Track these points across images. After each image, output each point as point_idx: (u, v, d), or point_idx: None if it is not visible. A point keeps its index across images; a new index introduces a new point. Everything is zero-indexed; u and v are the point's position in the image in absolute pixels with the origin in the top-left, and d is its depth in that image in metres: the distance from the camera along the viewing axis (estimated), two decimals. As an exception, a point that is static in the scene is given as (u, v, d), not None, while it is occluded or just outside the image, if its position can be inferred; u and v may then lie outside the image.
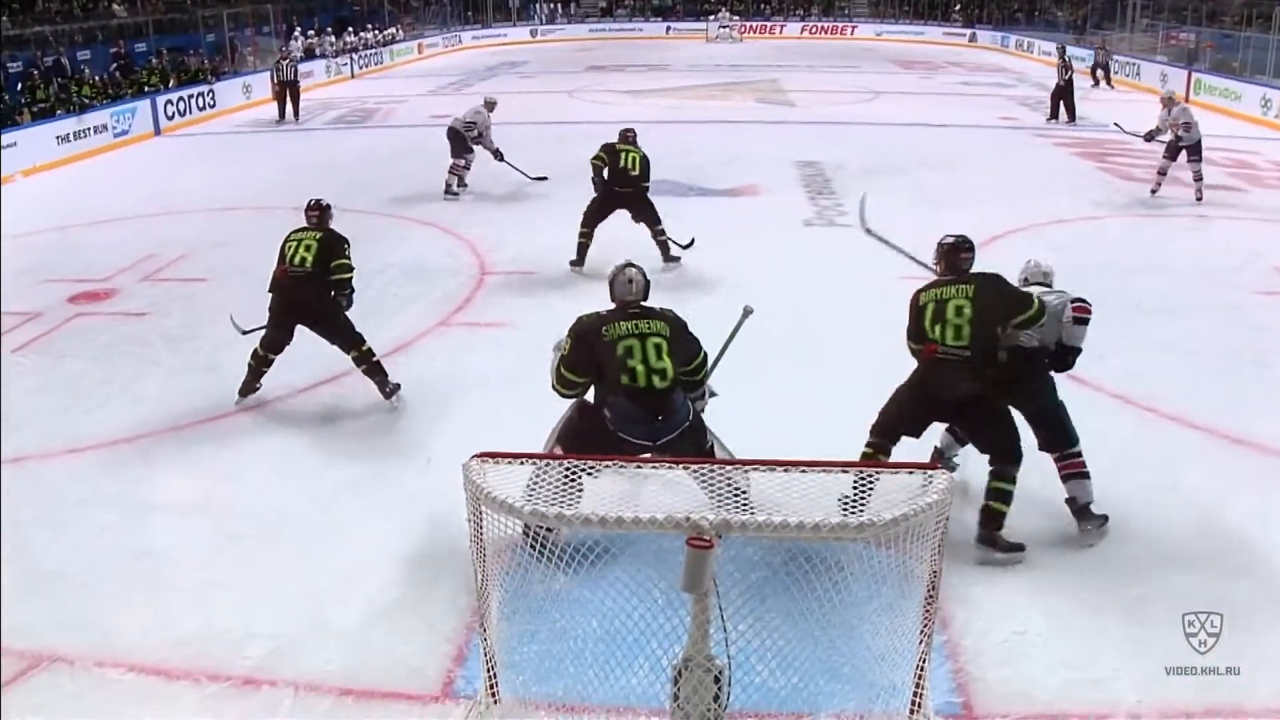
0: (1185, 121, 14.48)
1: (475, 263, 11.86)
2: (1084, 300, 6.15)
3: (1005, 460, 5.91)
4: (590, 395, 5.91)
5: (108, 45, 26.08)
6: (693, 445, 5.85)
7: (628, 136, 11.90)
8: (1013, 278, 6.44)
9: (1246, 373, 8.68)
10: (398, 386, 8.08)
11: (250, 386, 8.14)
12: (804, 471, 3.73)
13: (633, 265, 6.06)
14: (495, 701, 4.53)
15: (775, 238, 12.97)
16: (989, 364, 5.87)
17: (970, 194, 15.33)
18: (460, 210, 13.75)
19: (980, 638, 5.33)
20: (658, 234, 11.54)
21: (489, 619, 4.43)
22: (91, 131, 20.00)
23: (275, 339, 8.00)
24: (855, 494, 3.79)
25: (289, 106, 23.63)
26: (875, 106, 24.35)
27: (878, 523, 3.49)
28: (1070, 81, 22.83)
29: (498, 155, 15.34)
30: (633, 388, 5.64)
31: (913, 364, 6.14)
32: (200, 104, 24.28)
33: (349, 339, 8.03)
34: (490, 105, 15.56)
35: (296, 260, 7.92)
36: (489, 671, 4.53)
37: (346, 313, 8.13)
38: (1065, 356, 6.22)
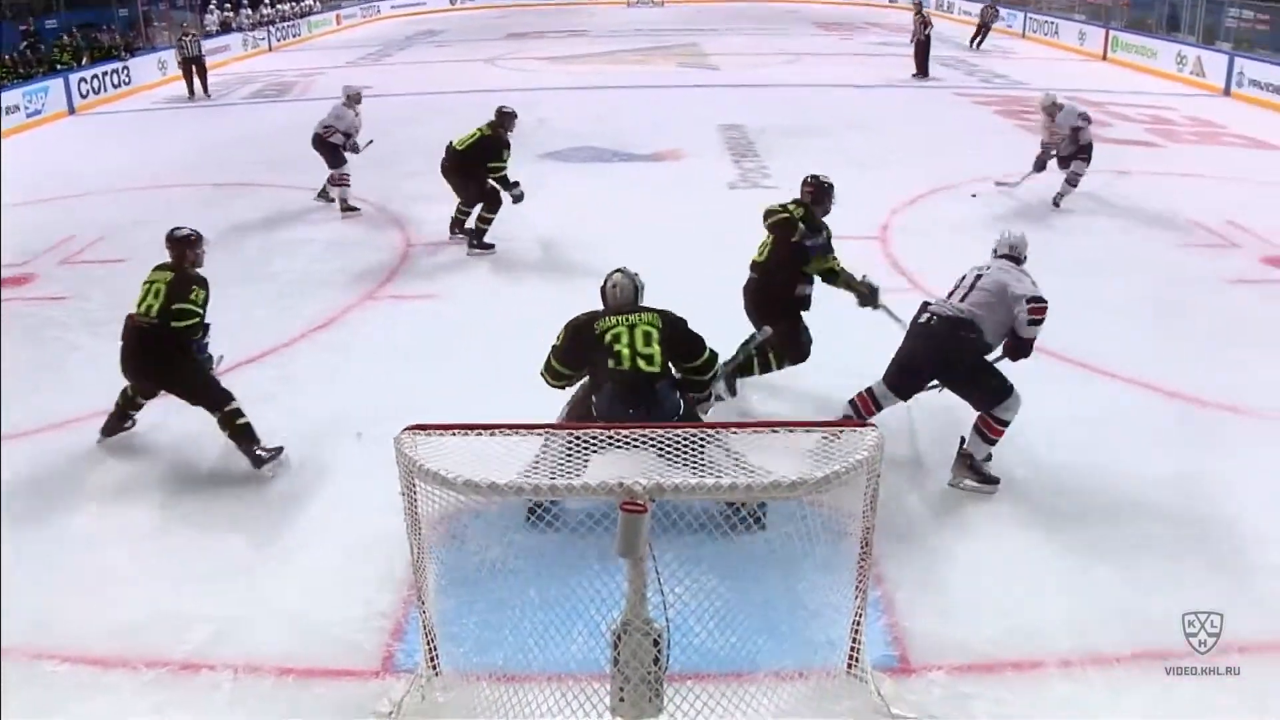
0: (1075, 126, 12.28)
1: (400, 235, 11.75)
2: (1041, 300, 6.11)
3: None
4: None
5: (17, 23, 25.37)
6: None
7: (503, 110, 11.20)
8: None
9: (1171, 325, 8.84)
10: (276, 453, 6.75)
11: (113, 427, 7.15)
12: (734, 432, 3.75)
13: (619, 271, 6.15)
14: (436, 674, 4.54)
15: (700, 201, 12.96)
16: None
17: (893, 154, 15.50)
18: (384, 182, 13.58)
19: (914, 592, 5.40)
20: (461, 214, 11.22)
21: (426, 592, 4.43)
22: (3, 112, 19.49)
23: (140, 389, 7.04)
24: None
25: (197, 82, 23.18)
26: (797, 69, 24.40)
27: (809, 481, 3.52)
28: (929, 37, 23.37)
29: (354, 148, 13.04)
30: (617, 370, 5.64)
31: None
32: (114, 81, 23.72)
33: (210, 399, 6.75)
34: (354, 99, 13.04)
35: (143, 308, 6.76)
36: (428, 644, 4.53)
37: (206, 365, 7.03)
38: (1018, 349, 6.22)
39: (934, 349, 6.22)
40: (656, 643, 3.64)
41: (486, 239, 11.03)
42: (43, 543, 6.01)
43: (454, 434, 3.97)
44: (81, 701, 4.74)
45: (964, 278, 6.43)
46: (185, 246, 6.97)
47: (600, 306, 6.03)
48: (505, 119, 11.11)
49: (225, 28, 30.74)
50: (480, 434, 3.95)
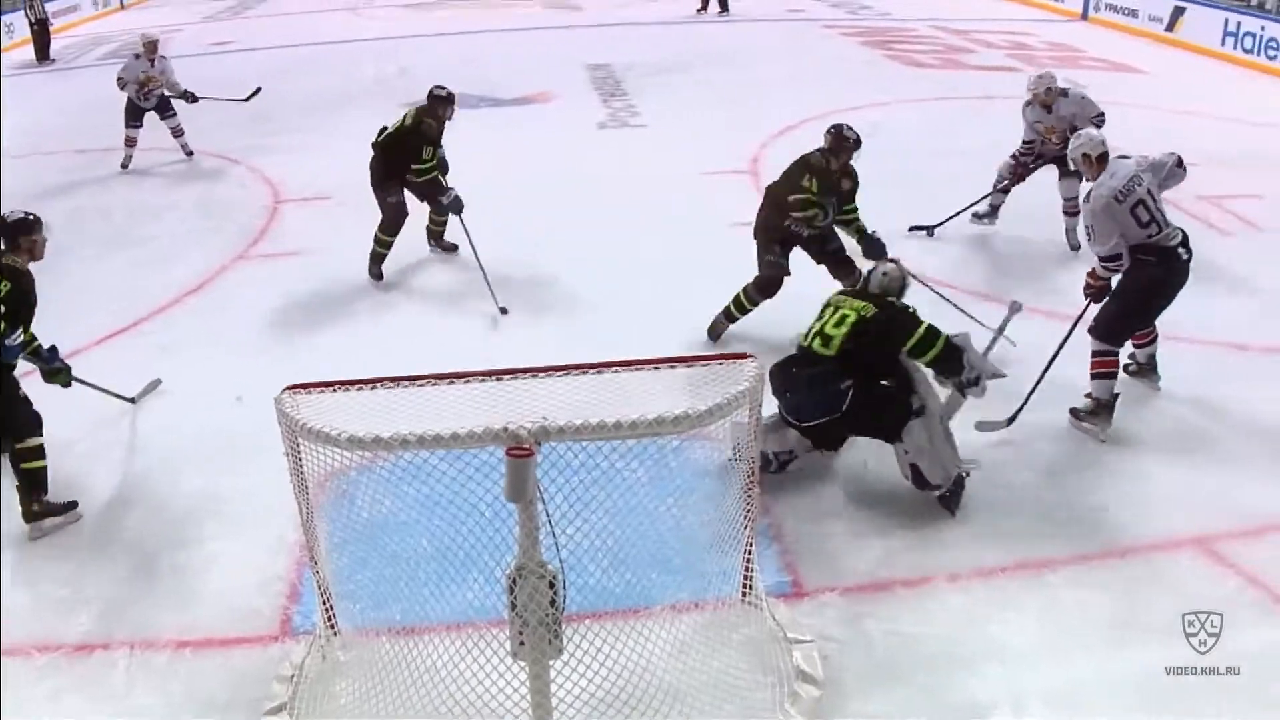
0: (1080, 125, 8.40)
1: (269, 192, 11.49)
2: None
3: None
4: None
5: None
6: (847, 435, 5.83)
7: (432, 93, 8.77)
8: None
9: (1047, 247, 9.10)
10: (62, 510, 5.79)
11: None
12: (616, 372, 3.77)
13: (893, 262, 6.11)
14: (335, 633, 4.52)
15: (571, 143, 12.91)
16: None
17: (761, 87, 15.56)
18: (251, 139, 13.21)
19: (801, 518, 5.55)
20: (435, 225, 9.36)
21: (319, 552, 4.40)
22: None
23: None
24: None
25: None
26: (661, 6, 24.24)
27: (693, 415, 3.56)
28: None
29: (189, 97, 12.65)
30: (799, 344, 5.69)
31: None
32: (-44, 48, 22.69)
33: (13, 424, 5.71)
34: (148, 48, 12.40)
35: None
36: (325, 604, 4.51)
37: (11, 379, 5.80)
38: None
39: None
40: (552, 585, 3.67)
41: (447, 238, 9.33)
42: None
43: (335, 390, 3.93)
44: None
45: (1147, 205, 6.07)
46: (18, 235, 5.69)
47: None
48: (433, 105, 8.68)
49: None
50: (362, 389, 3.91)
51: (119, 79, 12.40)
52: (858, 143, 7.46)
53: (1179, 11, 19.23)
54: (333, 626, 4.52)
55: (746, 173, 11.21)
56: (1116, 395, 6.20)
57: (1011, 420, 5.99)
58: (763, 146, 12.11)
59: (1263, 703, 4.35)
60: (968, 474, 5.63)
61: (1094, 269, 6.18)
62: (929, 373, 5.67)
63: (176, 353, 7.75)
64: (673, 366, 3.99)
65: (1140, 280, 6.11)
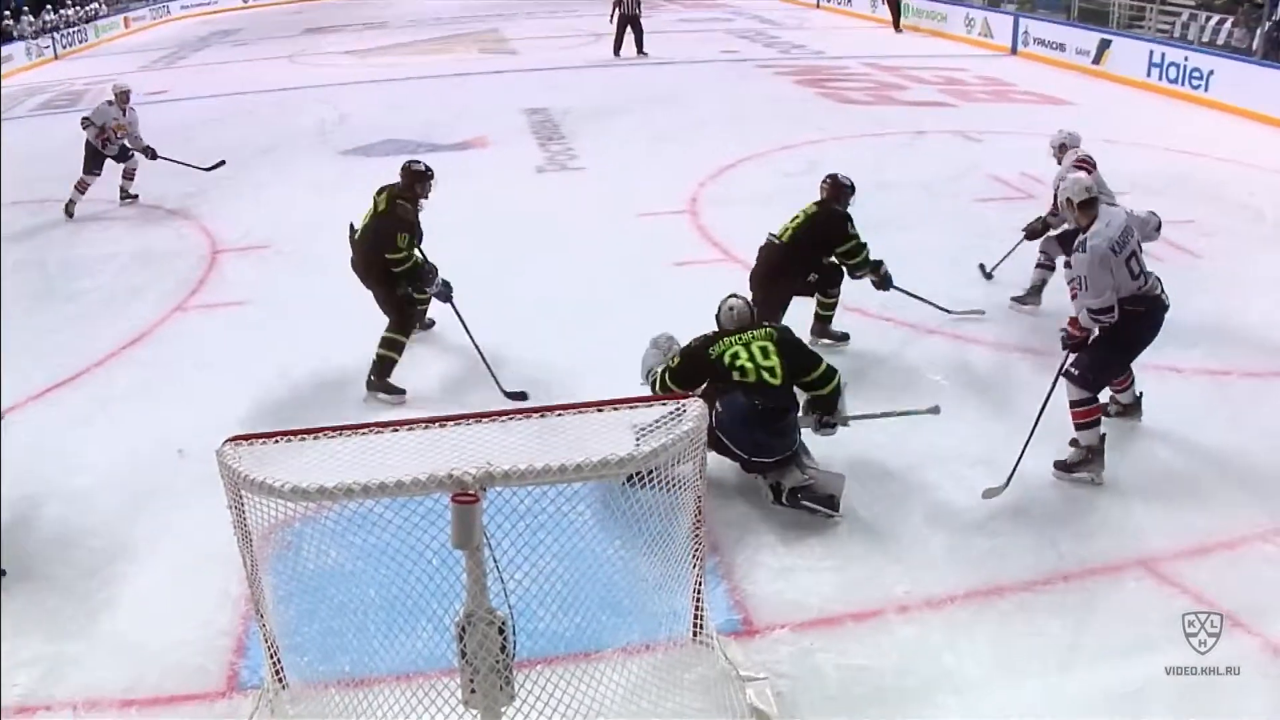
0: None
1: (206, 242, 11.41)
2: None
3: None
4: None
5: None
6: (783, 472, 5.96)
7: (409, 168, 7.73)
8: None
9: (974, 276, 9.17)
10: None
11: None
12: (560, 415, 3.77)
13: (735, 296, 6.23)
14: (283, 687, 4.46)
15: (510, 187, 12.95)
16: None
17: (698, 127, 15.73)
18: (187, 188, 13.13)
19: (751, 555, 5.56)
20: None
21: (264, 605, 4.35)
22: None
23: None
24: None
25: None
26: (597, 49, 24.42)
27: (638, 456, 3.56)
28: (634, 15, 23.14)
29: (149, 153, 12.79)
30: (745, 383, 5.75)
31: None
32: (-114, 100, 22.40)
33: None
34: (121, 98, 12.60)
35: None
36: (272, 658, 4.45)
37: None
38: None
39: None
40: (502, 631, 3.65)
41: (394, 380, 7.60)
42: None
43: (278, 441, 3.90)
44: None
45: (1138, 257, 5.99)
46: None
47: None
48: (412, 180, 7.58)
49: (6, 36, 29.23)
50: (304, 439, 3.89)
51: (86, 120, 12.52)
52: (852, 188, 7.84)
53: (1105, 44, 19.72)
54: (281, 680, 4.45)
55: (685, 212, 11.29)
56: (1104, 435, 6.12)
57: (1008, 482, 5.95)
58: (700, 186, 12.23)
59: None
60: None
61: (1076, 320, 6.01)
62: None
63: (117, 406, 7.65)
64: (616, 408, 4.00)
65: (1126, 331, 6.00)
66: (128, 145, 12.65)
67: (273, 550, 4.21)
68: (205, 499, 4.89)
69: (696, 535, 4.47)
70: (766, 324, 6.12)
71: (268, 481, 3.59)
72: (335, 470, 3.65)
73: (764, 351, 5.83)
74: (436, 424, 3.94)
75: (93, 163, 12.54)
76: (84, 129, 12.48)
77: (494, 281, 9.23)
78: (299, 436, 3.92)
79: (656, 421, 4.12)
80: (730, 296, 6.22)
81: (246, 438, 3.92)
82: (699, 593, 4.64)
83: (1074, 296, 6.01)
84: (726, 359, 5.82)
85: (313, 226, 10.93)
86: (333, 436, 3.90)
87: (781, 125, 15.52)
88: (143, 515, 6.20)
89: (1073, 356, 6.06)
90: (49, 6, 33.21)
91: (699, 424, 3.91)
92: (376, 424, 3.95)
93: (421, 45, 27.71)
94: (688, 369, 5.91)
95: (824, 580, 5.36)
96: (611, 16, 23.54)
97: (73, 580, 5.67)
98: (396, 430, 3.94)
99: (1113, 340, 6.02)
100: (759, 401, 5.72)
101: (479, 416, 3.94)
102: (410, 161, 7.75)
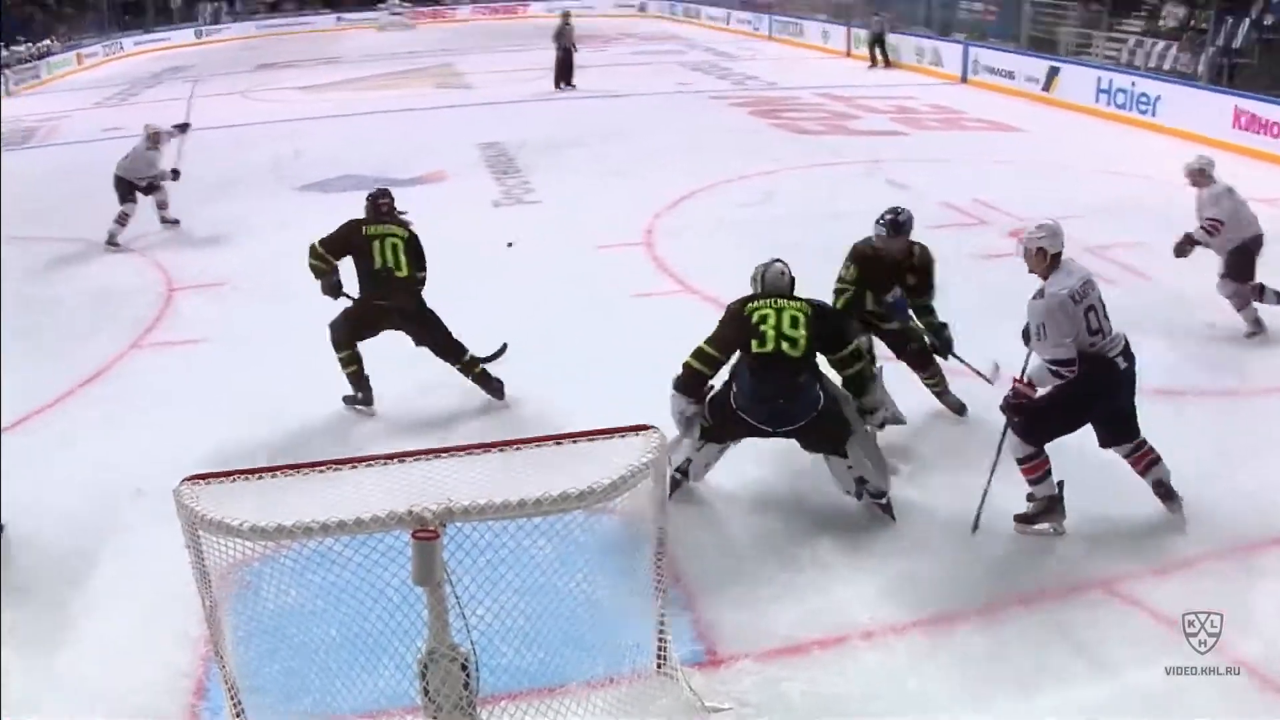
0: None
1: (162, 279, 11.34)
2: None
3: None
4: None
5: None
6: (824, 439, 5.95)
7: (381, 205, 7.86)
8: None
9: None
10: None
11: None
12: (519, 449, 3.77)
13: (780, 261, 6.06)
14: (243, 728, 4.41)
15: (466, 221, 12.93)
16: None
17: (652, 159, 15.80)
18: (142, 226, 13.03)
19: (713, 585, 5.54)
20: (470, 367, 7.84)
21: (224, 645, 4.30)
22: None
23: None
24: None
25: None
26: (550, 83, 24.49)
27: (598, 489, 3.56)
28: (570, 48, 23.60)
29: (175, 174, 13.00)
30: (761, 353, 5.70)
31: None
32: None
33: None
34: (153, 138, 12.78)
35: None
36: (233, 699, 4.40)
37: None
38: None
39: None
40: (465, 667, 3.64)
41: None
42: None
43: (235, 480, 3.87)
44: None
45: (1096, 311, 5.77)
46: None
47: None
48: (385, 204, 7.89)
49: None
50: (262, 476, 3.86)
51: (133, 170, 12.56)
52: (896, 225, 7.02)
53: (1054, 71, 20.03)
54: (241, 721, 4.41)
55: (641, 244, 11.33)
56: (1061, 483, 5.93)
57: (975, 526, 5.92)
58: (656, 217, 12.28)
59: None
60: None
61: (1026, 379, 5.77)
62: None
63: (73, 445, 7.56)
64: (575, 441, 4.00)
65: (1076, 389, 5.67)
66: (155, 178, 12.77)
67: (232, 590, 4.17)
68: (164, 538, 4.85)
69: (659, 566, 4.47)
70: (808, 299, 5.93)
71: (225, 520, 3.57)
72: (294, 508, 3.63)
73: (794, 321, 5.72)
74: (396, 460, 3.93)
75: (128, 194, 12.58)
76: (132, 177, 12.58)
77: (454, 314, 9.19)
78: (257, 475, 3.90)
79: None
80: (774, 261, 6.07)
81: (204, 476, 3.89)
82: (662, 624, 4.64)
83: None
84: (755, 318, 5.76)
85: (269, 263, 10.89)
86: (290, 475, 3.88)
87: (735, 156, 15.64)
88: (101, 555, 6.13)
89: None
90: (0, 43, 32.99)
91: (659, 455, 3.92)
92: (335, 461, 3.93)
93: (376, 80, 27.71)
94: (728, 332, 5.85)
95: (788, 608, 5.35)
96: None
97: (30, 620, 5.58)
98: (355, 467, 3.92)
99: (1061, 398, 5.76)
100: (768, 373, 5.72)
101: (439, 452, 3.93)
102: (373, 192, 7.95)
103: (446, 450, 3.93)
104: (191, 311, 10.34)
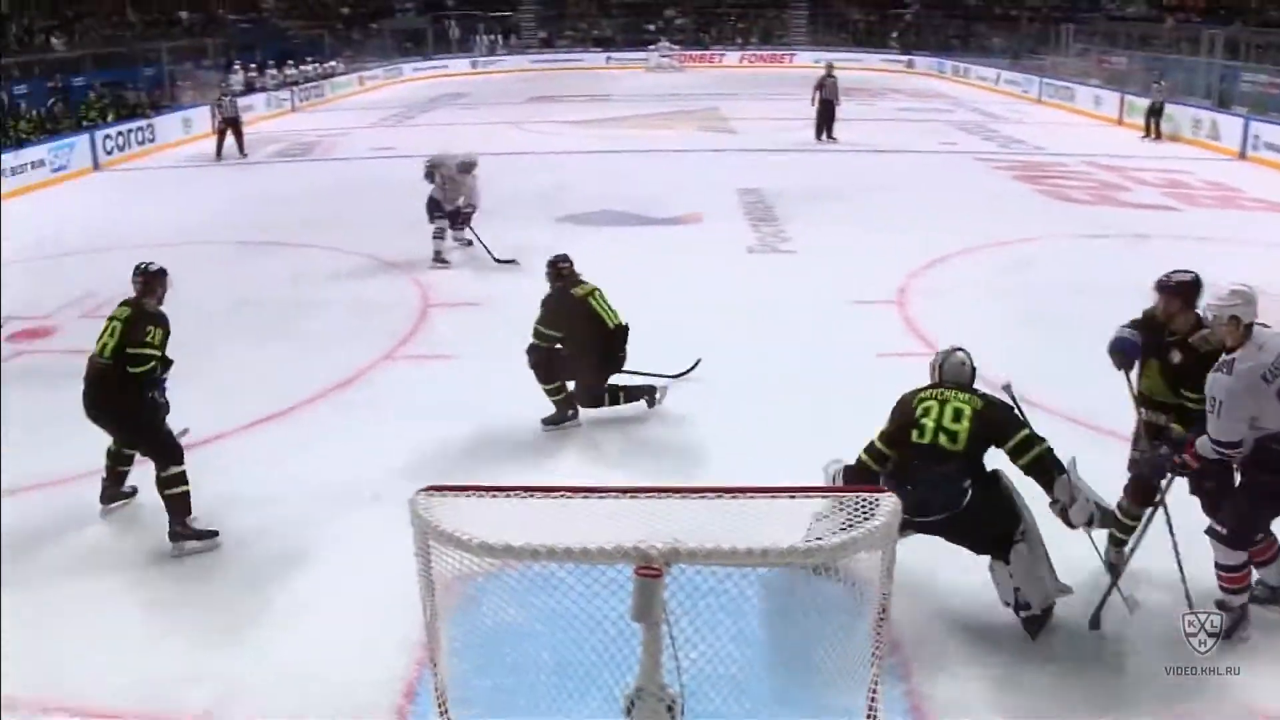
0: None
1: (419, 295, 11.82)
2: None
3: None
4: None
5: (45, 79, 25.77)
6: (979, 540, 5.60)
7: (562, 268, 8.42)
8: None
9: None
10: (205, 537, 6.53)
11: (112, 494, 6.96)
12: (751, 498, 3.73)
13: (961, 350, 5.88)
14: (448, 737, 4.49)
15: (719, 265, 13.04)
16: None
17: (911, 218, 15.55)
18: (403, 243, 13.65)
19: (932, 657, 5.37)
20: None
21: (439, 654, 4.40)
22: (29, 167, 19.76)
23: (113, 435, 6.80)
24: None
25: (231, 141, 23.14)
26: (812, 134, 24.51)
27: (825, 547, 3.50)
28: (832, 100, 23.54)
29: (467, 217, 13.64)
30: (919, 444, 5.49)
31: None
32: (139, 139, 24.03)
33: (156, 450, 6.53)
34: (464, 165, 13.62)
35: (99, 346, 6.54)
36: (440, 707, 4.49)
37: (159, 413, 6.60)
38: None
39: None
40: (670, 709, 3.61)
41: None
42: (51, 600, 6.01)
43: (470, 495, 3.95)
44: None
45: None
46: (151, 281, 6.82)
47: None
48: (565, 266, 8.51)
49: (250, 88, 31.07)
50: (496, 496, 3.93)
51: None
52: (1174, 287, 6.43)
53: (1346, 152, 18.75)
54: (447, 730, 4.50)
55: (894, 303, 11.15)
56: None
57: (1094, 624, 5.56)
58: (911, 277, 12.07)
59: None
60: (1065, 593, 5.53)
61: (1198, 447, 5.28)
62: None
63: (318, 445, 7.95)
64: (809, 496, 3.94)
65: (1271, 472, 5.17)
66: (461, 208, 13.39)
67: (454, 602, 4.26)
68: (395, 544, 5.02)
69: (879, 632, 4.36)
70: (979, 391, 5.66)
71: (457, 534, 3.64)
72: (522, 529, 3.69)
73: (956, 414, 5.47)
74: (628, 494, 3.94)
75: (437, 211, 13.25)
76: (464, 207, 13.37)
77: (696, 355, 9.26)
78: (491, 493, 3.97)
79: (838, 507, 4.02)
80: (955, 350, 5.86)
81: (440, 488, 3.99)
82: (875, 691, 4.51)
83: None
84: (919, 410, 5.56)
85: (521, 287, 11.17)
86: (524, 496, 3.93)
87: (998, 220, 15.28)
88: (334, 554, 6.42)
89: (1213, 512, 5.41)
90: (290, 62, 35.22)
91: (890, 519, 3.83)
92: (568, 488, 3.97)
93: (642, 120, 28.26)
94: (893, 424, 5.67)
95: (1008, 691, 5.14)
96: (813, 100, 23.85)
97: (259, 609, 5.91)
98: (586, 497, 3.95)
99: (1257, 485, 5.24)
100: (920, 463, 5.45)
101: (668, 491, 3.92)
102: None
103: (677, 490, 3.92)
104: (444, 328, 10.74)
